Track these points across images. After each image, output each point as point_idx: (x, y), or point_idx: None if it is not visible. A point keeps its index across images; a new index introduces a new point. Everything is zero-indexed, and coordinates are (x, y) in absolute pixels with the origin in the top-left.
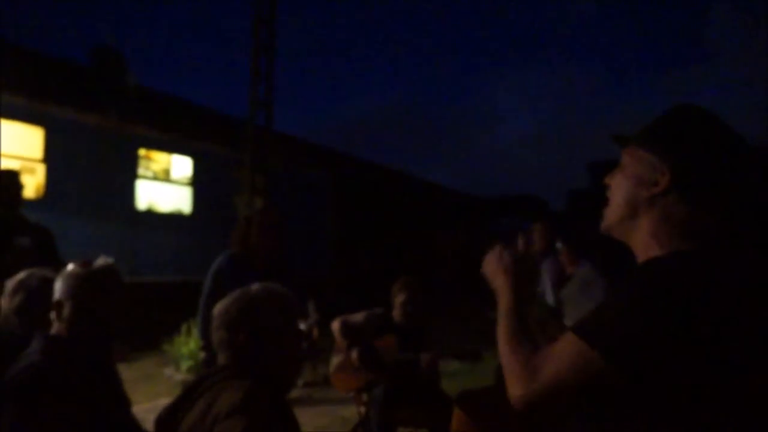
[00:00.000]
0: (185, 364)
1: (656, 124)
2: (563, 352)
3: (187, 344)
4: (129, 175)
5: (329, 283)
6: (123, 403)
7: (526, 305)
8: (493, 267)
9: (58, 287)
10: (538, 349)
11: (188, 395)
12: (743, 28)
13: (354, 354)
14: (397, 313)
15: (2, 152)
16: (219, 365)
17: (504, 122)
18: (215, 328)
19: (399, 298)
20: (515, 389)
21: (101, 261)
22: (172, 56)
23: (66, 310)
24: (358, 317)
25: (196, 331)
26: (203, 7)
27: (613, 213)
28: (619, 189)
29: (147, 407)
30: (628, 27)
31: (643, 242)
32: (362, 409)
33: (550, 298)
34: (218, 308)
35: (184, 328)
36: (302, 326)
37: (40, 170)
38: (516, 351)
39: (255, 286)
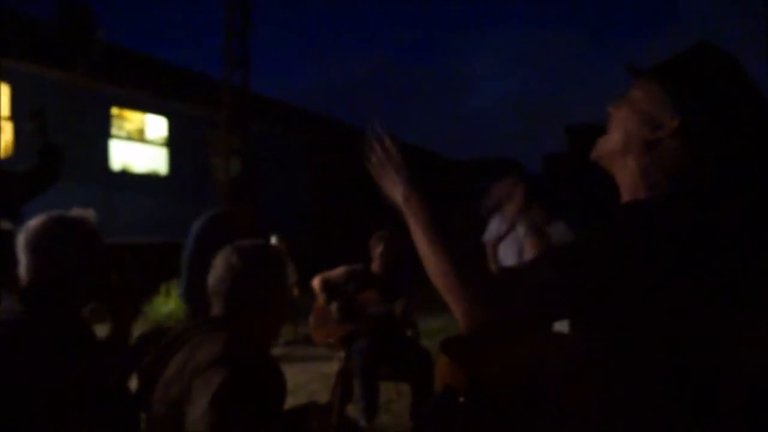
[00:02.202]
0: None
1: (677, 62)
2: (533, 271)
3: (167, 305)
4: (102, 134)
5: (307, 244)
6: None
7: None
8: (385, 177)
9: (18, 241)
10: (487, 268)
11: (170, 347)
12: None
13: (333, 307)
14: (376, 265)
15: None
16: (204, 318)
17: (481, 85)
18: (219, 278)
19: (377, 250)
20: (481, 313)
21: (75, 212)
22: (143, 11)
23: (24, 265)
24: (338, 273)
25: (174, 292)
26: None
27: (608, 144)
28: (622, 122)
29: None
30: None
31: (632, 181)
32: (340, 362)
33: (527, 259)
34: (226, 260)
35: (162, 289)
36: None
37: (8, 128)
38: (470, 268)
39: (250, 243)
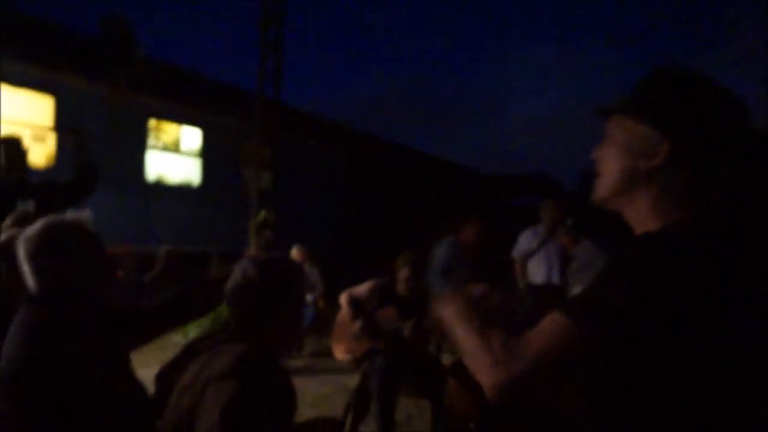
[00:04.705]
0: (192, 331)
1: (642, 92)
2: (547, 329)
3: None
4: (139, 145)
5: (338, 256)
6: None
7: (467, 299)
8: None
9: (18, 251)
10: (512, 334)
11: (186, 355)
12: (760, 13)
13: (357, 325)
14: (400, 287)
15: (13, 119)
16: (217, 328)
17: (518, 101)
18: (235, 289)
19: (403, 273)
20: (496, 375)
21: (70, 216)
22: (182, 27)
23: (29, 274)
24: (363, 288)
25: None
26: None
27: (607, 185)
28: (611, 162)
29: (155, 371)
30: (646, 8)
31: (642, 215)
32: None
33: (556, 277)
34: (242, 272)
35: None
36: (309, 297)
37: (51, 138)
38: (487, 338)
39: (267, 255)
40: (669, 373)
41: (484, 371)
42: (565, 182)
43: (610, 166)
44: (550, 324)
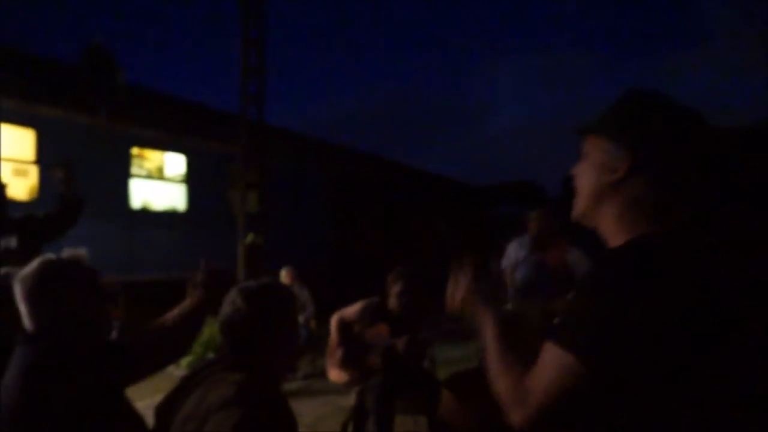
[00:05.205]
0: (185, 360)
1: (610, 111)
2: (546, 364)
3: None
4: (123, 174)
5: (329, 276)
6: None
7: (505, 323)
8: (466, 298)
9: (15, 290)
10: (526, 368)
11: (184, 386)
12: (737, 10)
13: (338, 353)
14: (392, 303)
15: None
16: (214, 357)
17: (500, 110)
18: (226, 320)
19: (394, 289)
20: (513, 414)
21: (67, 253)
22: (162, 52)
23: (25, 314)
24: (354, 309)
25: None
26: (191, 1)
27: (580, 202)
28: (583, 178)
29: (148, 403)
30: (623, 11)
31: (610, 229)
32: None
33: (544, 286)
34: (231, 303)
35: None
36: (300, 319)
37: (33, 172)
38: (506, 375)
39: (255, 283)
40: (653, 391)
41: (506, 407)
42: (550, 188)
43: (582, 182)
44: (547, 357)
